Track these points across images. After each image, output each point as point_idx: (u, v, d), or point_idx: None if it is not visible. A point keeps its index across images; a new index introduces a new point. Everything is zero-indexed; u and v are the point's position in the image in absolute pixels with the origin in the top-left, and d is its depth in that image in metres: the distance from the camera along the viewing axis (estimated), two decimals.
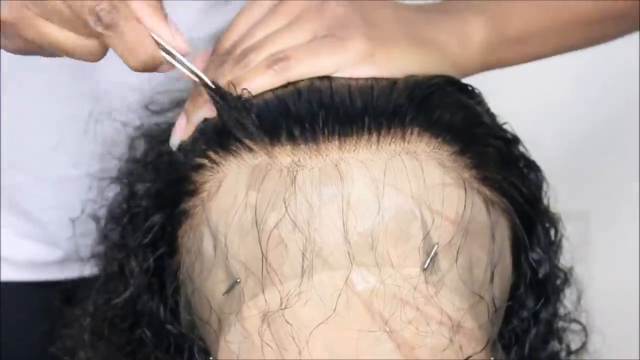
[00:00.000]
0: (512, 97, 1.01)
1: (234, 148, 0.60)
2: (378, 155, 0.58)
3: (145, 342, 0.67)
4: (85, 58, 0.59)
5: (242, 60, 0.63)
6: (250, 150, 0.59)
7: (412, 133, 0.59)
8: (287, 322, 0.56)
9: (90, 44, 0.58)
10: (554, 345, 0.70)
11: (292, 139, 0.58)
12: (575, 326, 0.72)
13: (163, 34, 0.58)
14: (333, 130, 0.58)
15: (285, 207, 0.57)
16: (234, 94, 0.61)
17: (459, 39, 0.66)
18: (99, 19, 0.56)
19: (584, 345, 0.72)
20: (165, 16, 0.59)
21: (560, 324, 0.71)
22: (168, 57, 0.59)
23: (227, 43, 0.66)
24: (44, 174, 0.80)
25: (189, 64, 0.60)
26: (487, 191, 0.61)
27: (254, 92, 0.61)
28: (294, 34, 0.64)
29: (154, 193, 0.64)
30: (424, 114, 0.60)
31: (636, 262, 1.33)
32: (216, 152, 0.61)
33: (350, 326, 0.56)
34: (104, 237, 0.73)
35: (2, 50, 0.62)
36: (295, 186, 0.57)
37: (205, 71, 0.64)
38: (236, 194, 0.59)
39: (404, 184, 0.58)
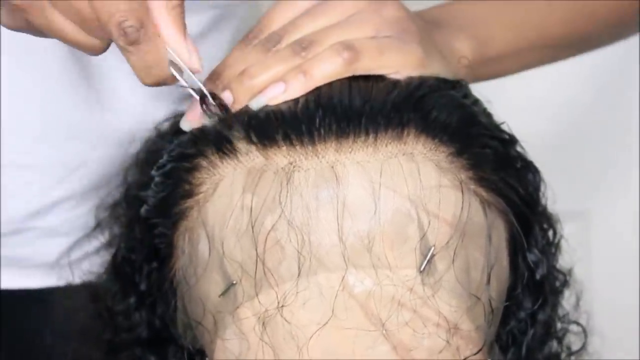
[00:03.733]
0: (511, 97, 1.01)
1: (230, 150, 0.60)
2: (375, 157, 0.58)
3: (142, 344, 0.67)
4: (87, 51, 0.59)
5: (301, 51, 0.62)
6: (247, 152, 0.59)
7: (408, 134, 0.59)
8: (284, 323, 0.56)
9: (97, 42, 0.58)
10: (552, 346, 0.70)
11: (288, 139, 0.58)
12: (574, 327, 0.72)
13: (182, 54, 0.58)
14: (330, 131, 0.58)
15: (282, 209, 0.57)
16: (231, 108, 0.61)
17: (450, 53, 0.68)
18: (124, 33, 0.55)
19: (584, 347, 0.72)
20: (186, 32, 0.58)
21: (560, 325, 0.71)
22: (175, 72, 0.59)
23: (264, 31, 0.65)
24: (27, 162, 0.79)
25: (197, 81, 0.60)
26: (483, 192, 0.61)
27: (320, 81, 0.61)
28: (358, 28, 0.63)
29: (151, 195, 0.64)
30: (420, 115, 0.60)
31: (636, 262, 1.33)
32: (213, 154, 0.60)
33: (346, 328, 0.56)
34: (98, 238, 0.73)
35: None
36: (291, 188, 0.57)
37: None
38: (232, 196, 0.59)
39: (400, 186, 0.57)
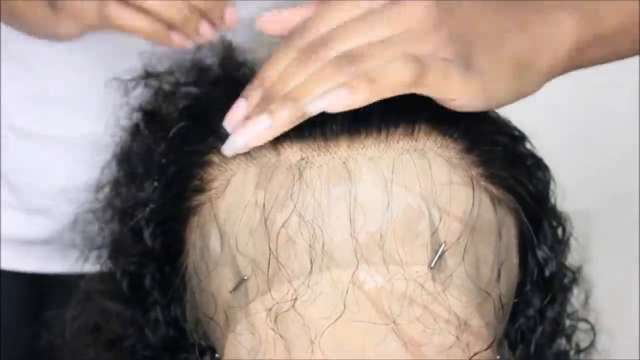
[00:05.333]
0: None
1: None
2: (386, 153, 0.58)
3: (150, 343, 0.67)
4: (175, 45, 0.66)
5: (350, 65, 0.56)
6: (259, 148, 0.59)
7: (419, 131, 0.59)
8: (296, 318, 0.56)
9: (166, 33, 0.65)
10: (561, 343, 0.70)
11: (300, 135, 0.58)
12: (582, 325, 0.72)
13: None
14: (342, 127, 0.58)
15: (294, 205, 0.57)
16: None
17: (546, 43, 0.61)
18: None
19: (592, 344, 0.72)
20: None
21: (569, 322, 0.71)
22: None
23: (312, 32, 0.59)
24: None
25: None
26: (494, 189, 0.61)
27: (388, 92, 0.56)
28: (418, 45, 0.57)
29: (161, 190, 0.64)
30: (431, 111, 0.60)
31: (636, 262, 1.33)
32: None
33: (357, 323, 0.56)
34: (105, 229, 0.73)
35: None
36: (303, 184, 0.57)
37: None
38: (244, 192, 0.59)
39: (412, 182, 0.58)
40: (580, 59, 0.63)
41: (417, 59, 0.56)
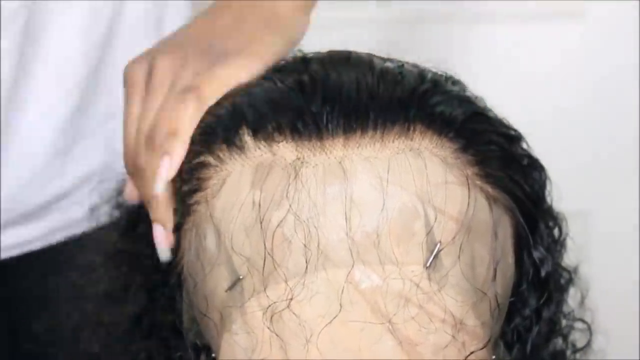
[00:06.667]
0: (512, 96, 1.01)
1: (238, 146, 0.60)
2: (382, 153, 0.58)
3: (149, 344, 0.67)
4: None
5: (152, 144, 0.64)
6: (255, 147, 0.59)
7: (415, 130, 0.59)
8: (292, 317, 0.56)
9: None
10: (557, 343, 0.70)
11: (296, 135, 0.59)
12: (579, 325, 0.72)
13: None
14: (337, 126, 0.58)
15: (289, 204, 0.57)
16: None
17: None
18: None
19: (589, 344, 0.72)
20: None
21: (565, 322, 0.71)
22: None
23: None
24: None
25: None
26: (489, 188, 0.61)
27: (189, 129, 0.63)
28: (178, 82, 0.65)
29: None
30: (426, 111, 0.60)
31: (636, 263, 1.33)
32: (221, 150, 0.60)
33: (352, 323, 0.56)
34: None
35: None
36: (299, 183, 0.57)
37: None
38: (240, 191, 0.59)
39: (407, 182, 0.58)
40: None
41: (187, 86, 0.64)
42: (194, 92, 0.64)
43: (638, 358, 1.26)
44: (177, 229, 0.63)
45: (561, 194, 0.69)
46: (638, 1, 1.33)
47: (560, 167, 0.71)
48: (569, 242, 0.70)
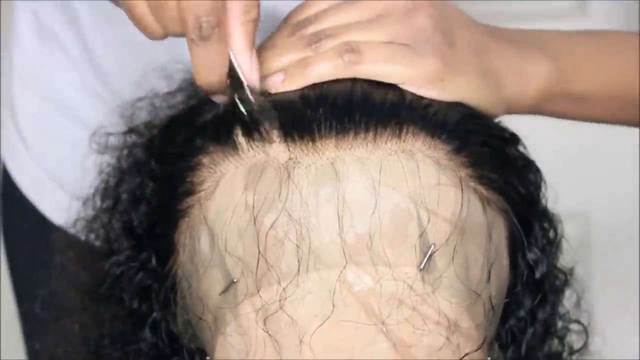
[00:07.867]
0: None
1: (232, 146, 0.60)
2: (374, 154, 0.58)
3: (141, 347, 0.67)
4: (146, 33, 0.60)
5: (314, 43, 0.62)
6: (248, 148, 0.59)
7: (407, 132, 0.59)
8: (285, 318, 0.56)
9: (160, 30, 0.59)
10: (553, 345, 0.70)
11: (289, 135, 0.58)
12: (575, 327, 0.72)
13: (243, 65, 0.59)
14: (330, 127, 0.58)
15: (282, 205, 0.57)
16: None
17: (516, 76, 0.66)
18: (200, 27, 0.56)
19: (585, 345, 0.72)
20: (253, 45, 0.60)
21: (561, 324, 0.71)
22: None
23: (300, 16, 0.65)
24: None
25: (250, 96, 0.60)
26: (483, 190, 0.61)
27: (314, 78, 0.61)
28: (373, 31, 0.62)
29: (150, 194, 0.64)
30: (419, 112, 0.60)
31: (636, 263, 1.33)
32: (214, 151, 0.60)
33: (346, 325, 0.56)
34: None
35: None
36: (292, 184, 0.57)
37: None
38: (234, 193, 0.59)
39: (400, 183, 0.58)
40: (546, 106, 0.67)
41: (353, 48, 0.61)
42: (357, 55, 0.61)
43: None
44: (171, 232, 0.63)
45: (561, 195, 0.69)
46: (638, 1, 1.32)
47: (560, 168, 0.71)
48: (568, 243, 0.70)
